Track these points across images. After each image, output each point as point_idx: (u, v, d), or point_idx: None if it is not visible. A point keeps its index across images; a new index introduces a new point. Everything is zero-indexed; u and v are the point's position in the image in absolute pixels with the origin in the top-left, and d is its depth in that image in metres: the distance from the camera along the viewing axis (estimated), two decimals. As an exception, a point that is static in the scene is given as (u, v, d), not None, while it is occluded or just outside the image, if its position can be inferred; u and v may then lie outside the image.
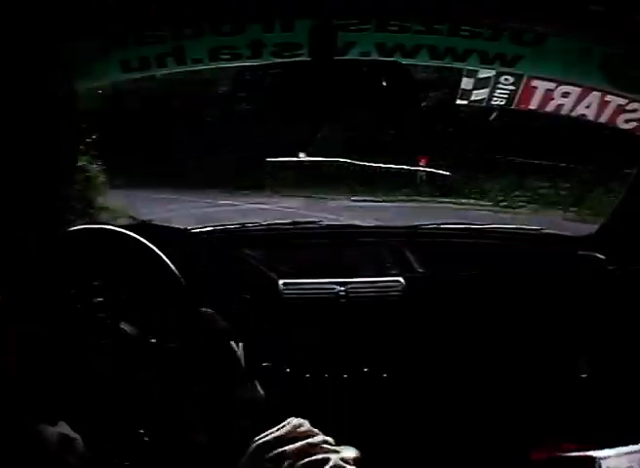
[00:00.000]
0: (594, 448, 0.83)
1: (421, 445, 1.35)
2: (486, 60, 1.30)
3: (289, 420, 0.68)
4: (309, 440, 0.66)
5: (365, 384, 1.39)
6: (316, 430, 0.68)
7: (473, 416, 1.38)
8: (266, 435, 0.67)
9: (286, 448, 0.64)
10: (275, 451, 0.64)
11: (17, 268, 0.82)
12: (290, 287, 1.42)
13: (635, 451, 0.75)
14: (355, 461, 0.67)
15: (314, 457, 0.64)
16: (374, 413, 1.37)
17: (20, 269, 0.83)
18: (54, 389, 0.74)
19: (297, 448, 0.64)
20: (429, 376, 1.41)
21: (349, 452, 0.68)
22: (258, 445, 0.66)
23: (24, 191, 1.07)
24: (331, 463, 0.64)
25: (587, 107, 1.66)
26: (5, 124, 1.04)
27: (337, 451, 0.66)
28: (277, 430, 0.67)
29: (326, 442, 0.67)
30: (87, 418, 0.77)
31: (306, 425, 0.68)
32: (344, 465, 0.65)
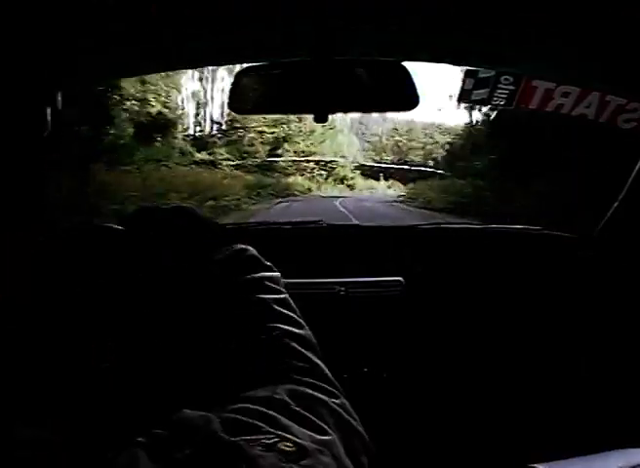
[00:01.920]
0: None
1: (420, 444, 1.35)
2: (486, 60, 1.30)
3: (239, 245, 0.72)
4: (254, 275, 0.71)
5: (365, 384, 1.39)
6: None
7: (473, 417, 1.38)
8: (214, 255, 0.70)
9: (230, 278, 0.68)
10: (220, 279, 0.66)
11: (16, 268, 0.82)
12: (290, 286, 1.42)
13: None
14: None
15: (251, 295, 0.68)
16: (374, 414, 1.38)
17: (19, 269, 0.83)
18: (48, 389, 0.74)
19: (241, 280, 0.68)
20: (429, 376, 1.41)
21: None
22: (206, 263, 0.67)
23: (23, 191, 1.07)
24: (263, 304, 0.66)
25: (587, 107, 1.66)
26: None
27: (278, 292, 0.68)
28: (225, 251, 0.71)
29: (269, 278, 0.69)
30: (85, 419, 0.77)
31: (252, 251, 0.71)
32: (276, 308, 0.66)
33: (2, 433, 0.57)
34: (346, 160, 16.48)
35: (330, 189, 15.83)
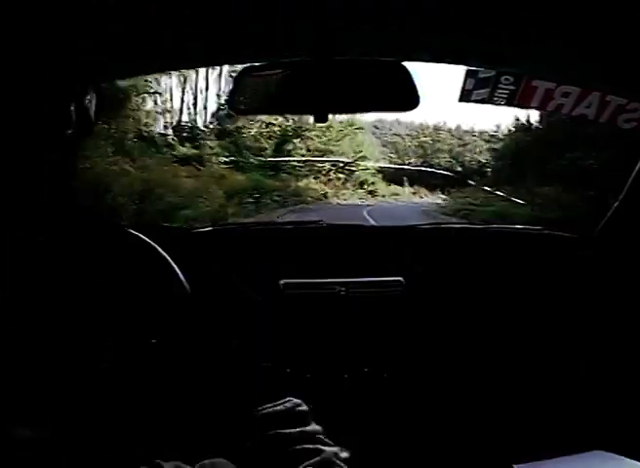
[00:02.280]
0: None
1: (419, 443, 1.35)
2: (486, 60, 1.30)
3: (289, 399, 0.72)
4: (305, 428, 0.69)
5: (366, 384, 1.39)
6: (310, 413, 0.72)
7: (473, 417, 1.38)
8: (266, 409, 0.71)
9: (281, 431, 0.68)
10: (272, 431, 0.68)
11: (16, 268, 0.82)
12: (291, 286, 1.42)
13: None
14: (346, 461, 0.70)
15: (308, 446, 0.68)
16: (374, 414, 1.38)
17: (19, 269, 0.83)
18: (48, 389, 0.74)
19: (293, 433, 0.68)
20: (430, 376, 1.41)
21: (342, 454, 0.70)
22: (258, 417, 0.69)
23: (27, 189, 1.07)
24: (323, 455, 0.66)
25: (588, 107, 1.66)
26: (8, 121, 1.04)
27: (330, 445, 0.69)
28: (277, 406, 0.71)
29: (319, 432, 0.70)
30: (85, 419, 0.77)
31: (304, 406, 0.72)
32: (336, 461, 0.67)
33: (2, 433, 0.57)
34: (367, 161, 14.00)
35: (348, 195, 13.04)
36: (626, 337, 1.35)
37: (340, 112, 1.26)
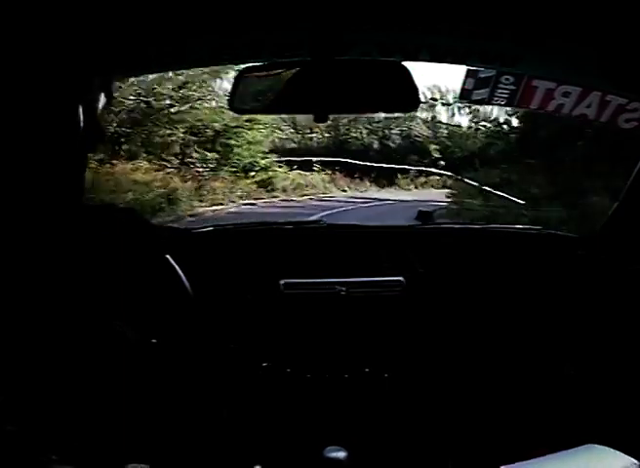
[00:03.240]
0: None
1: (420, 443, 1.35)
2: (486, 60, 1.31)
3: None
4: None
5: (366, 385, 1.39)
6: None
7: (474, 417, 1.38)
8: None
9: None
10: None
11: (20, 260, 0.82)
12: (291, 286, 1.42)
13: None
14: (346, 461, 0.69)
15: None
16: (375, 414, 1.38)
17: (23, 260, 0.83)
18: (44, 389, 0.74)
19: None
20: (430, 376, 1.41)
21: (340, 453, 0.69)
22: None
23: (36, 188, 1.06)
24: None
25: (588, 107, 1.66)
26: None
27: None
28: None
29: None
30: (83, 420, 0.77)
31: None
32: None
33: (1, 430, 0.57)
34: (257, 129, 8.10)
35: (223, 194, 7.16)
36: (626, 336, 1.35)
37: (340, 112, 1.26)
